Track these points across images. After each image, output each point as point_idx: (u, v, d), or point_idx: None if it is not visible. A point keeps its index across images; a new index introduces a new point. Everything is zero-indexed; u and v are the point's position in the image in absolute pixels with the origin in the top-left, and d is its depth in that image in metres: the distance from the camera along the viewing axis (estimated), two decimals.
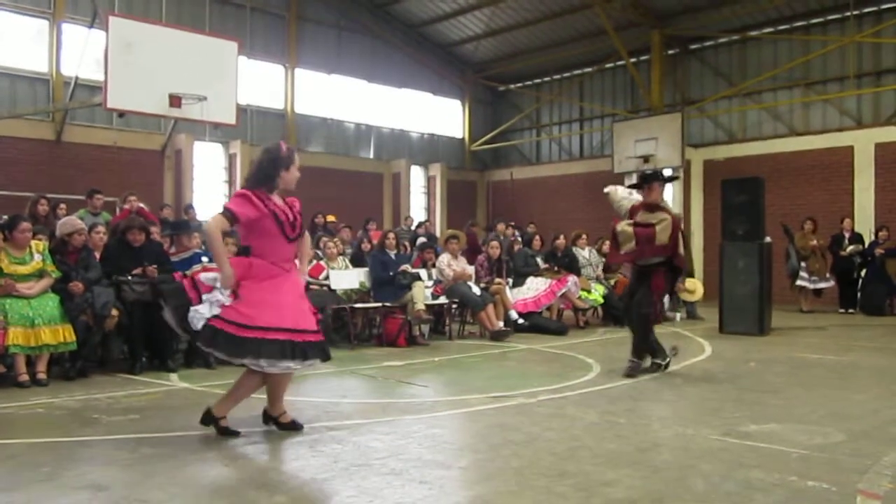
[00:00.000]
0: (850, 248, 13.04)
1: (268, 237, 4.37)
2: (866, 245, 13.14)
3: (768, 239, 10.38)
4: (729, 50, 17.41)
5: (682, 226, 6.91)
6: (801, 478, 3.61)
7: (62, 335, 6.16)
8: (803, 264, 12.94)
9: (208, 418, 4.47)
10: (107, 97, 10.93)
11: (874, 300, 12.72)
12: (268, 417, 4.64)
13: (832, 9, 15.54)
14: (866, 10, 15.19)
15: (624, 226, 6.69)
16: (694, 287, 12.55)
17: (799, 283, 12.96)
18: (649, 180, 6.78)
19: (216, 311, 4.25)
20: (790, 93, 16.44)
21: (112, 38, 10.96)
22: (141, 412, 5.16)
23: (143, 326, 6.78)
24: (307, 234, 4.92)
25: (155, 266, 6.90)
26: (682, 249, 6.83)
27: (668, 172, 11.48)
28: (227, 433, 4.41)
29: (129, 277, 6.78)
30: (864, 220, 14.22)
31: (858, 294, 13.04)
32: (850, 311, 12.91)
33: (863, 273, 13.03)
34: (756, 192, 10.21)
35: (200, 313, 4.25)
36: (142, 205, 9.61)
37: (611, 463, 3.89)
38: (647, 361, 6.81)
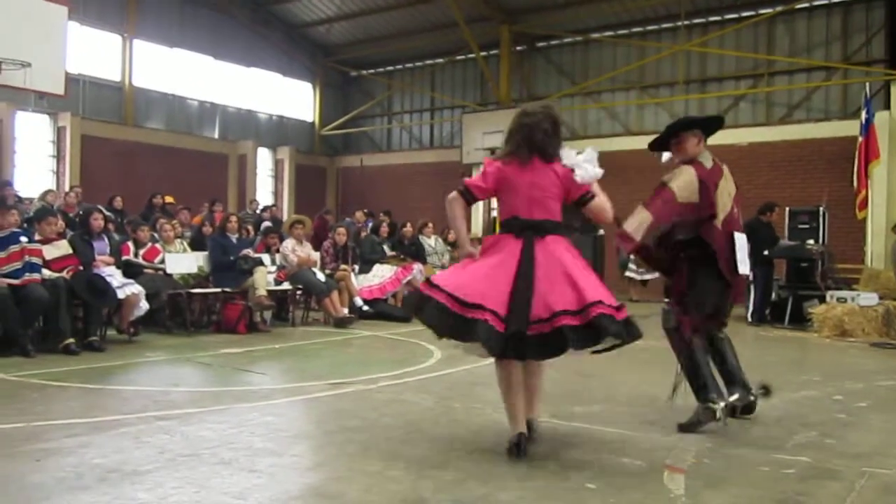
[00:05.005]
0: None
1: None
2: None
3: (601, 232, 10.98)
4: (573, 50, 18.18)
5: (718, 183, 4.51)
6: (616, 455, 3.86)
7: None
8: (632, 257, 13.78)
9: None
10: None
11: None
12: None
13: (665, 17, 16.60)
14: (695, 21, 16.37)
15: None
16: None
17: (628, 274, 13.80)
18: (678, 130, 4.66)
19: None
20: (627, 94, 17.43)
21: None
22: None
23: None
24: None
25: None
26: (718, 220, 4.44)
27: None
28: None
29: None
30: None
31: None
32: None
33: None
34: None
35: None
36: None
37: (444, 447, 3.98)
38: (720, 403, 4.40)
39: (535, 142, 3.86)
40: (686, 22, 16.11)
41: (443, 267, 11.64)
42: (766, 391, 4.81)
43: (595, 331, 3.60)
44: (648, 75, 17.03)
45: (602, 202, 3.98)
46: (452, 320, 3.64)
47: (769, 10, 15.34)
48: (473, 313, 3.58)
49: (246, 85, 19.19)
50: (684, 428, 4.37)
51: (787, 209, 11.69)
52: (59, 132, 15.20)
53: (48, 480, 3.31)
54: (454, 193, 3.98)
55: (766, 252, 10.48)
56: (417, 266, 10.88)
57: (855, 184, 12.00)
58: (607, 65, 17.45)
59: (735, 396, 4.52)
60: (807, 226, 11.22)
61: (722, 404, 4.33)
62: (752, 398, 4.68)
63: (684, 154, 4.64)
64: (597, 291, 3.69)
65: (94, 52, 15.83)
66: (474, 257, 3.91)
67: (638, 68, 16.89)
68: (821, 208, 11.32)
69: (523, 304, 3.59)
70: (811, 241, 10.88)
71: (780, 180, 14.67)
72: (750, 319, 10.58)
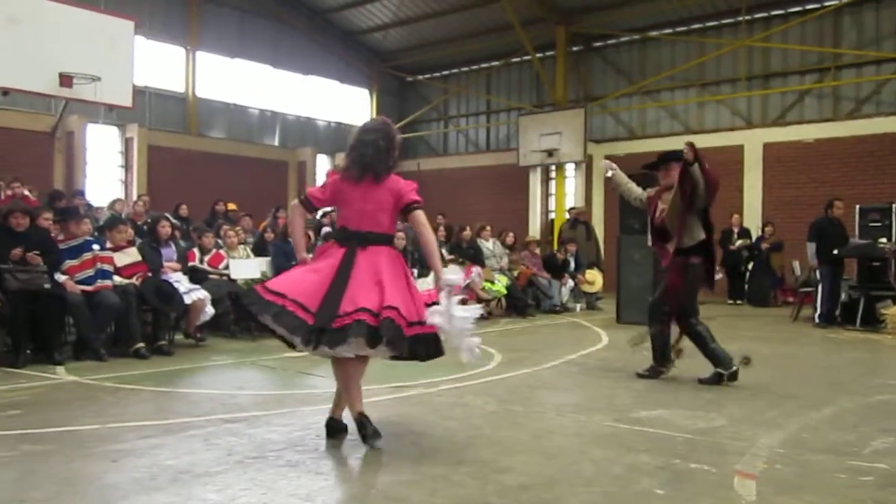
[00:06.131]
0: (739, 242, 13.76)
1: None
2: (753, 240, 13.87)
3: None
4: (630, 49, 17.95)
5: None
6: (685, 461, 3.78)
7: None
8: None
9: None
10: None
11: (760, 292, 13.48)
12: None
13: (726, 13, 16.26)
14: (757, 15, 15.99)
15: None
16: (593, 278, 12.94)
17: None
18: (667, 160, 6.04)
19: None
20: (686, 92, 17.11)
21: None
22: (23, 407, 4.90)
23: (26, 316, 6.43)
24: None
25: (38, 253, 6.54)
26: (691, 232, 5.99)
27: None
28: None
29: (11, 265, 6.42)
30: (752, 216, 14.97)
31: (746, 286, 13.76)
32: (738, 301, 13.60)
33: (750, 266, 13.75)
34: (651, 187, 10.55)
35: None
36: (26, 192, 9.13)
37: (507, 450, 3.96)
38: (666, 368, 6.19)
39: (366, 160, 4.05)
40: (747, 17, 15.75)
41: (500, 270, 11.62)
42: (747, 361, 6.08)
43: (379, 333, 3.78)
44: (709, 72, 16.69)
45: (423, 215, 4.22)
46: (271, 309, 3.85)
47: (835, 2, 14.89)
48: (283, 301, 3.81)
49: (304, 93, 19.50)
50: (703, 381, 5.86)
51: (857, 207, 11.29)
52: (127, 143, 15.70)
53: (124, 481, 3.41)
54: (295, 201, 4.28)
55: (835, 251, 10.15)
56: (476, 269, 10.88)
57: None
58: (666, 63, 17.17)
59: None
60: (878, 224, 10.82)
61: (732, 369, 5.86)
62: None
63: (670, 180, 5.92)
64: (397, 299, 3.84)
65: (159, 64, 16.32)
66: (306, 262, 4.18)
67: (697, 65, 16.57)
68: (893, 205, 10.90)
69: (334, 301, 3.81)
70: (883, 240, 10.48)
71: (849, 177, 14.20)
72: (817, 321, 10.24)
